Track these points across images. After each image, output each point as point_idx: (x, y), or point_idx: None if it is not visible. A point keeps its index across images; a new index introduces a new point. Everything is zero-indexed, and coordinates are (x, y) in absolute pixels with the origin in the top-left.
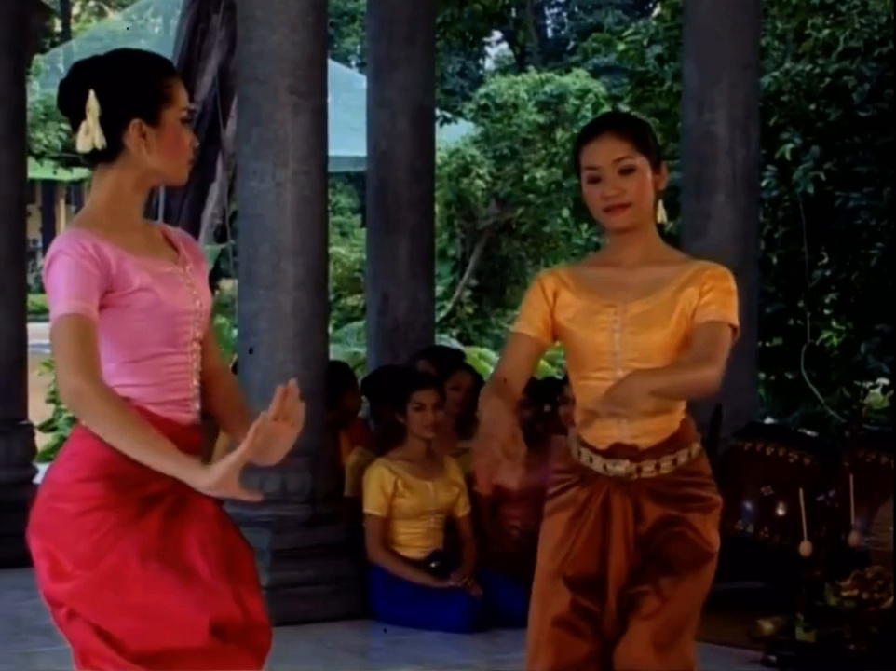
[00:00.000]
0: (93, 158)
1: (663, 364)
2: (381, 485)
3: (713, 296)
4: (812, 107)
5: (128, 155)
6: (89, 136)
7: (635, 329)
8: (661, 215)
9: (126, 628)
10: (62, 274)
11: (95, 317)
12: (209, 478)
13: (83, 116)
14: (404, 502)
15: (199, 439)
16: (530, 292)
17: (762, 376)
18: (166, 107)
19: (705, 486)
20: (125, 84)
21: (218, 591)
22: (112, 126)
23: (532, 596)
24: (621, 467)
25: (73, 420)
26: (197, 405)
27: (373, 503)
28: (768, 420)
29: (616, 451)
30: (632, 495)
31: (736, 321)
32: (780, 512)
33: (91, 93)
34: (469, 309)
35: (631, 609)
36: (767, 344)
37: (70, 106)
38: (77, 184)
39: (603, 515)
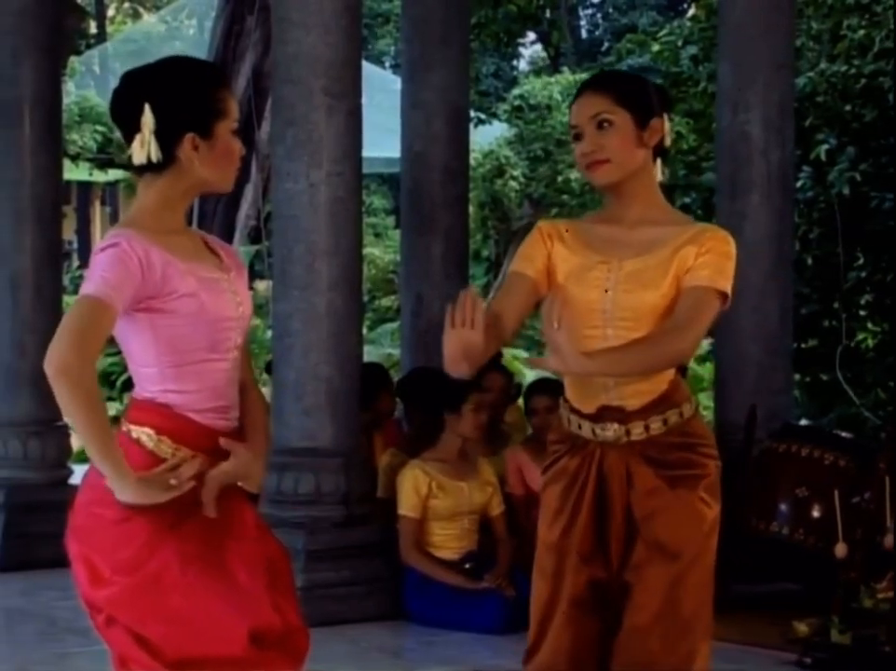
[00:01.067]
0: (143, 168)
1: (653, 325)
2: (415, 486)
3: (709, 259)
4: (847, 108)
5: (179, 166)
6: (145, 149)
7: (628, 287)
8: (659, 173)
9: (164, 635)
10: (105, 262)
11: (118, 309)
12: (129, 496)
13: (137, 128)
14: (438, 504)
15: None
16: (529, 237)
17: (797, 377)
18: (219, 121)
19: (698, 449)
20: (180, 98)
21: (257, 599)
22: (166, 139)
23: (535, 571)
24: (610, 431)
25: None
26: (236, 413)
27: (406, 505)
28: (804, 422)
29: (603, 414)
30: (624, 459)
31: (727, 288)
32: (816, 513)
33: (147, 107)
34: None
35: (627, 601)
36: (803, 345)
37: (123, 117)
38: (112, 185)
39: (599, 484)
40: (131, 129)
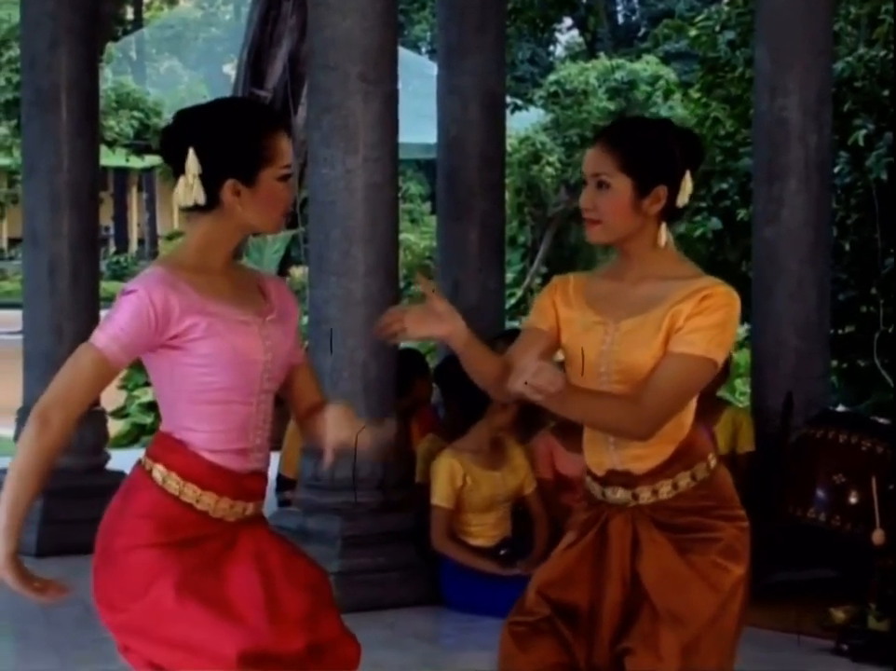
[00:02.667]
0: (189, 207)
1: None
2: (451, 477)
3: (702, 322)
4: (886, 93)
5: (222, 208)
6: (189, 192)
7: (622, 348)
8: (662, 239)
9: (170, 661)
10: (124, 310)
11: (122, 366)
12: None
13: (183, 169)
14: (473, 496)
15: (259, 487)
16: (543, 292)
17: (834, 363)
18: (264, 168)
19: (713, 512)
20: (223, 144)
21: (252, 624)
22: (209, 183)
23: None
24: (617, 494)
25: (144, 407)
26: (260, 455)
27: (440, 494)
28: (841, 408)
29: (610, 478)
30: (631, 523)
31: (719, 357)
32: (853, 500)
33: (191, 151)
34: None
35: (631, 667)
36: (840, 331)
37: (170, 157)
38: (149, 171)
39: (598, 544)
40: (178, 169)
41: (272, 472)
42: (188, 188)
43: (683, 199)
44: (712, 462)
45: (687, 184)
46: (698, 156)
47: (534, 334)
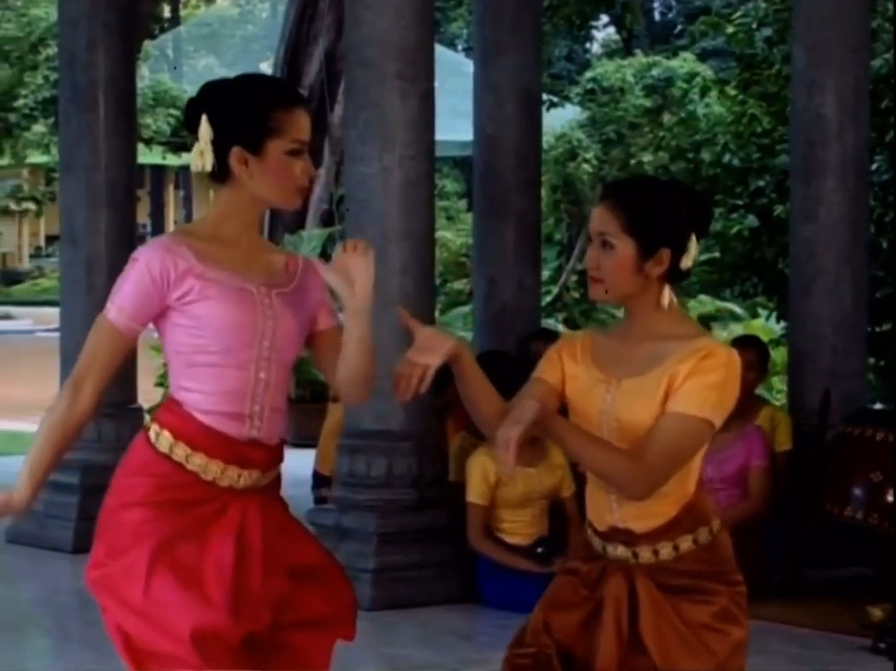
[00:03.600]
0: (210, 177)
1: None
2: (484, 474)
3: (699, 382)
4: None
5: (235, 179)
6: (201, 157)
7: (622, 407)
8: (665, 300)
9: (135, 626)
10: (127, 279)
11: (135, 334)
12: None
13: (198, 137)
14: (508, 491)
15: (257, 457)
16: (552, 348)
17: (871, 361)
18: (271, 139)
19: (712, 577)
20: (232, 113)
21: (217, 606)
22: (218, 151)
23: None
24: (618, 551)
25: None
26: (260, 424)
27: (475, 492)
28: (878, 406)
29: (611, 535)
30: (631, 581)
31: (716, 418)
32: (890, 498)
33: (204, 118)
34: (576, 294)
35: None
36: (877, 329)
37: (189, 125)
38: (185, 169)
39: (596, 598)
40: (195, 136)
41: (307, 469)
42: (200, 154)
43: (686, 263)
44: (716, 526)
45: (692, 248)
46: (705, 218)
47: (539, 385)
